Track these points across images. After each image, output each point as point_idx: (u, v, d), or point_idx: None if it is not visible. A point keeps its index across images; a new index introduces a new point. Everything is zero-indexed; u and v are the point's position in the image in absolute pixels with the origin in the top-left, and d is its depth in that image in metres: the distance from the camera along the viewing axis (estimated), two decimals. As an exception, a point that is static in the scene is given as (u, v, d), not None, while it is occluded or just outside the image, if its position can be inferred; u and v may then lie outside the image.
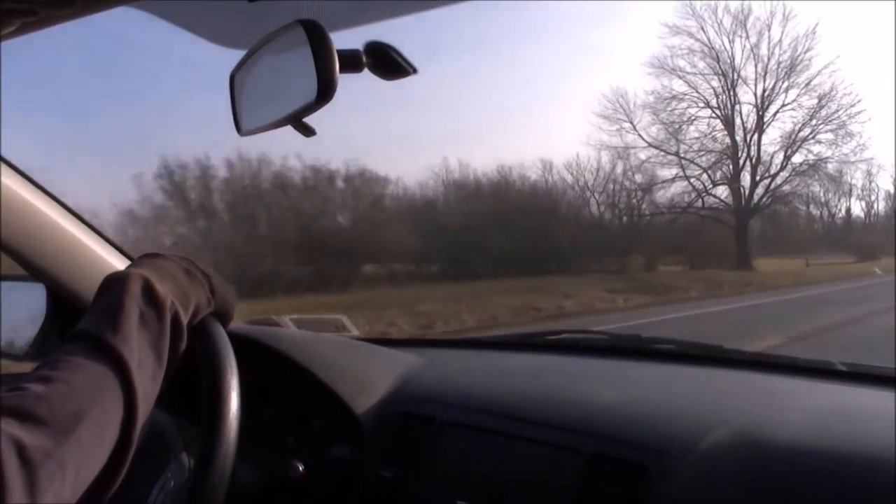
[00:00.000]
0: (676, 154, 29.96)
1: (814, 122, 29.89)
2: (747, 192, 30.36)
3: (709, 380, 1.32)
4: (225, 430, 0.91)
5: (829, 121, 29.60)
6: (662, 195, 30.54)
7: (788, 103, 30.17)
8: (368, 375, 1.38)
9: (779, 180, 30.51)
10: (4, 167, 1.26)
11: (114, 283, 0.82)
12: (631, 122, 29.44)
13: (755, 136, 30.47)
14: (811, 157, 30.14)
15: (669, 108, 29.81)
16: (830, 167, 30.94)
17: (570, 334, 1.71)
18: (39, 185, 1.31)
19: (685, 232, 28.70)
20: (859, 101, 29.30)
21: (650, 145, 29.81)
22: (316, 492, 1.26)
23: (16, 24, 0.85)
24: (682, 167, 30.16)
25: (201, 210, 17.70)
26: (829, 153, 30.06)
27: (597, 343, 1.64)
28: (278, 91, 0.84)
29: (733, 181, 30.47)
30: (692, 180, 30.19)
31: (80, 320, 0.84)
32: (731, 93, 30.38)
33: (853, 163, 30.78)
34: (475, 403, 1.25)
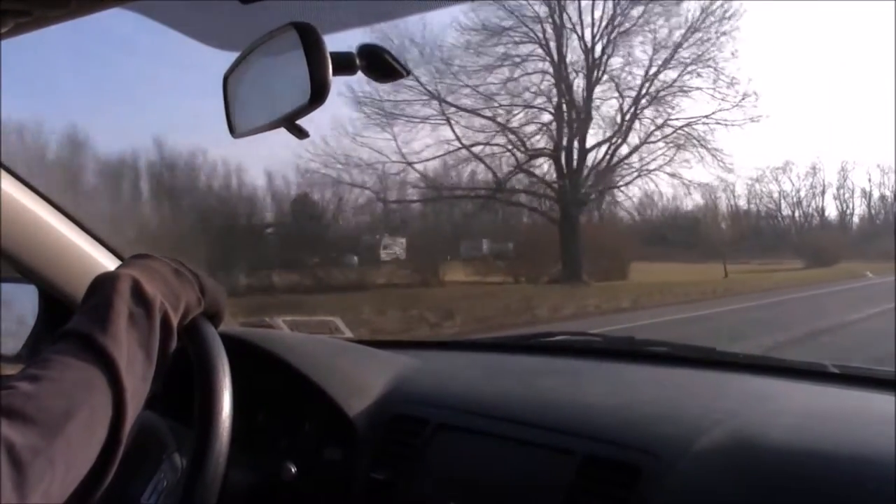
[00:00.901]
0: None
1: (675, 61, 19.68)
2: (575, 165, 19.87)
3: (702, 382, 1.32)
4: (217, 431, 0.90)
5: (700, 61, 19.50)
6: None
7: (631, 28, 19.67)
8: (361, 377, 1.38)
9: (625, 150, 20.20)
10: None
11: (103, 283, 0.82)
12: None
13: (583, 82, 19.87)
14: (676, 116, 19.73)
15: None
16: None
17: (564, 336, 1.72)
18: (32, 187, 1.31)
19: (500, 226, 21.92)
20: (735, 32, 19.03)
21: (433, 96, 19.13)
22: (308, 494, 1.25)
23: (10, 24, 0.85)
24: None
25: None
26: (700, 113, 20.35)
27: (590, 345, 1.64)
28: (272, 93, 0.84)
29: (554, 150, 19.91)
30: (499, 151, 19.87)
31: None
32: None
33: (742, 124, 19.64)
34: (468, 405, 1.25)
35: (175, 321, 0.86)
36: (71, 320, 0.80)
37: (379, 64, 0.83)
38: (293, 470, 1.23)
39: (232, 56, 0.91)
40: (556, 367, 1.50)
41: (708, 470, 0.97)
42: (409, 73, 0.85)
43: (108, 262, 1.41)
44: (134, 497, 1.13)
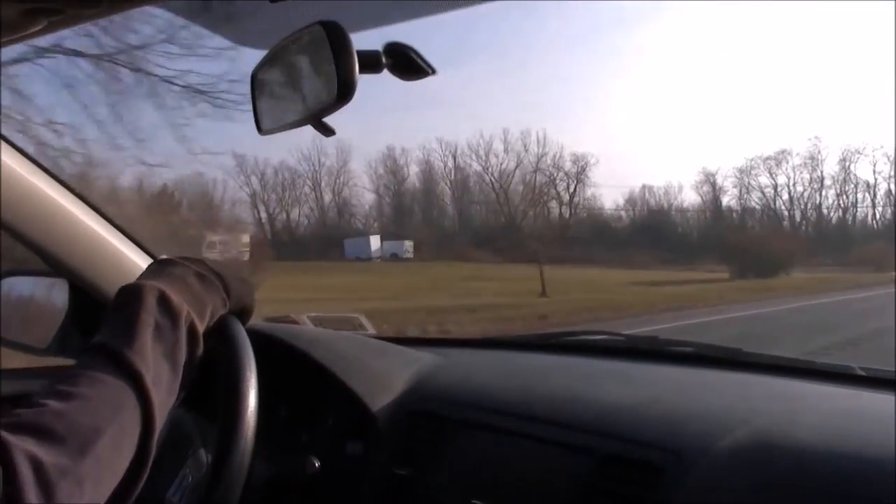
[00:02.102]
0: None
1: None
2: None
3: (726, 382, 1.31)
4: (242, 427, 0.92)
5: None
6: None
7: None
8: (384, 373, 1.39)
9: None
10: (30, 165, 1.28)
11: (129, 296, 0.83)
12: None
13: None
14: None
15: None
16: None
17: (586, 335, 1.71)
18: (63, 182, 1.33)
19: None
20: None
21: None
22: (330, 488, 1.27)
23: (43, 22, 0.87)
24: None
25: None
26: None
27: (613, 344, 1.63)
28: (299, 91, 0.85)
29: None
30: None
31: (100, 316, 0.86)
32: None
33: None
34: (490, 403, 1.26)
35: (201, 329, 0.86)
36: (99, 333, 0.81)
37: (405, 62, 0.84)
38: (316, 463, 1.24)
39: (260, 54, 0.92)
40: (577, 366, 1.49)
41: (730, 470, 0.96)
42: (434, 71, 0.86)
43: (136, 257, 1.43)
44: (160, 492, 1.15)
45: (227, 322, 0.96)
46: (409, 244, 34.88)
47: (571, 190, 43.21)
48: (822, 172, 43.36)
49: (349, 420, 1.32)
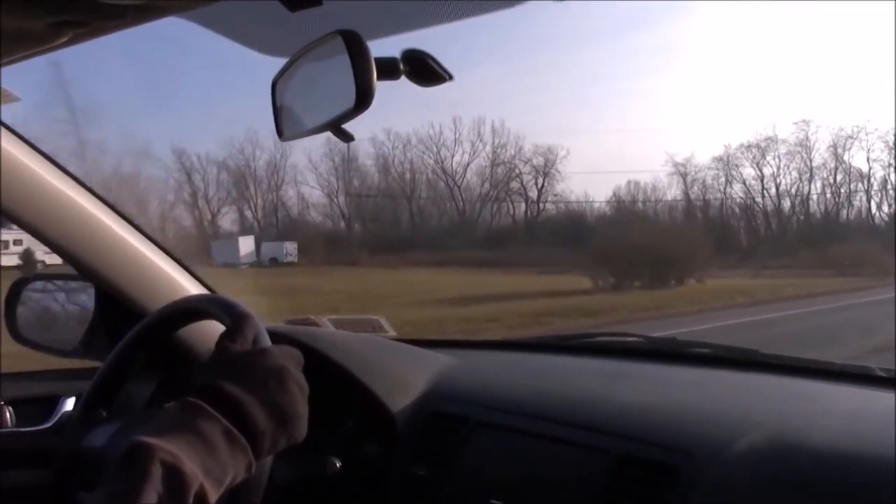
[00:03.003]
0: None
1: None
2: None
3: (744, 384, 1.31)
4: None
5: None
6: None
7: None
8: (403, 375, 1.40)
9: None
10: (58, 172, 1.31)
11: (135, 459, 0.72)
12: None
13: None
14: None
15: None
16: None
17: (604, 337, 1.72)
18: (90, 189, 1.36)
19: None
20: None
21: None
22: (349, 489, 1.28)
23: (69, 34, 0.89)
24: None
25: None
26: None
27: (631, 346, 1.64)
28: (318, 98, 0.86)
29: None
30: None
31: (125, 320, 0.85)
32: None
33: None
34: (507, 404, 1.27)
35: (214, 499, 0.75)
36: (95, 494, 0.73)
37: (422, 68, 0.85)
38: (337, 464, 1.26)
39: (280, 62, 0.94)
40: (595, 368, 1.50)
41: (746, 471, 0.97)
42: (451, 77, 0.87)
43: (163, 263, 1.46)
44: None
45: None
46: (291, 246, 29.79)
47: (540, 185, 38.91)
48: (810, 161, 39.02)
49: (369, 421, 1.34)
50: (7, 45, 0.94)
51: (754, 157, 37.83)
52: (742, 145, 37.70)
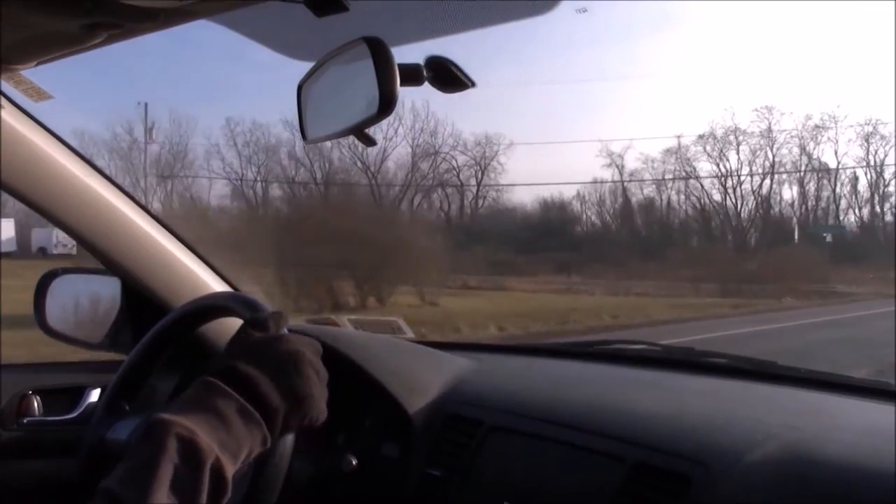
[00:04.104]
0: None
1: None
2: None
3: (760, 395, 1.31)
4: (282, 437, 0.94)
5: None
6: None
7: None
8: (421, 377, 1.41)
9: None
10: (90, 170, 1.34)
11: (153, 434, 0.75)
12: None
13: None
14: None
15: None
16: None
17: (622, 344, 1.72)
18: (119, 186, 1.40)
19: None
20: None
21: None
22: (366, 487, 1.30)
23: (103, 35, 0.92)
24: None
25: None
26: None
27: (648, 354, 1.64)
28: (342, 103, 0.88)
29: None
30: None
31: (151, 314, 0.88)
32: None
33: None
34: (523, 409, 1.28)
35: (230, 472, 0.78)
36: (114, 472, 0.75)
37: (445, 75, 0.87)
38: (354, 462, 1.28)
39: (306, 66, 0.96)
40: (611, 375, 1.50)
41: (759, 482, 0.97)
42: (473, 83, 0.89)
43: (186, 259, 1.49)
44: None
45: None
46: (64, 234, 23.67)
47: (479, 178, 35.01)
48: (773, 156, 34.93)
49: (386, 421, 1.35)
50: (43, 45, 0.97)
51: (710, 151, 34.87)
52: (702, 136, 34.39)
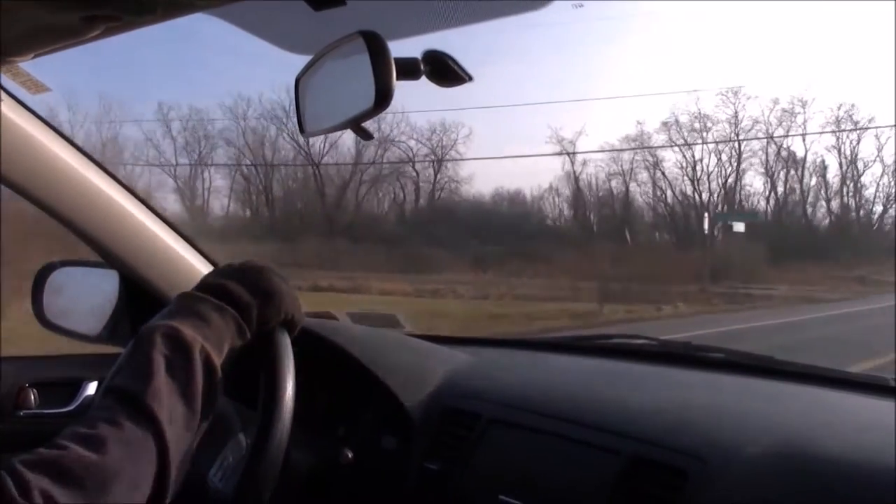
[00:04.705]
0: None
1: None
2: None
3: (757, 390, 1.31)
4: (281, 413, 0.95)
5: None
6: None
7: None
8: (419, 370, 1.42)
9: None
10: (87, 162, 1.34)
11: (143, 336, 0.85)
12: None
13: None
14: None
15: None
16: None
17: (620, 339, 1.72)
18: (117, 178, 1.39)
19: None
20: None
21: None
22: (364, 480, 1.30)
23: (101, 28, 0.91)
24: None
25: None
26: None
27: (646, 348, 1.64)
28: (339, 96, 0.88)
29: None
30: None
31: (150, 306, 0.91)
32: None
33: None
34: (521, 402, 1.28)
35: (218, 360, 0.87)
36: (116, 374, 0.84)
37: (442, 69, 0.87)
38: (350, 455, 1.28)
39: (304, 59, 0.96)
40: (609, 369, 1.50)
41: (756, 477, 0.97)
42: (471, 78, 0.88)
43: (184, 252, 1.49)
44: (202, 472, 1.20)
45: (275, 334, 0.99)
46: None
47: (436, 169, 32.79)
48: (739, 145, 32.53)
49: (384, 415, 1.36)
50: (39, 37, 0.97)
51: (672, 138, 32.57)
52: (666, 122, 32.20)
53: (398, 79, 0.81)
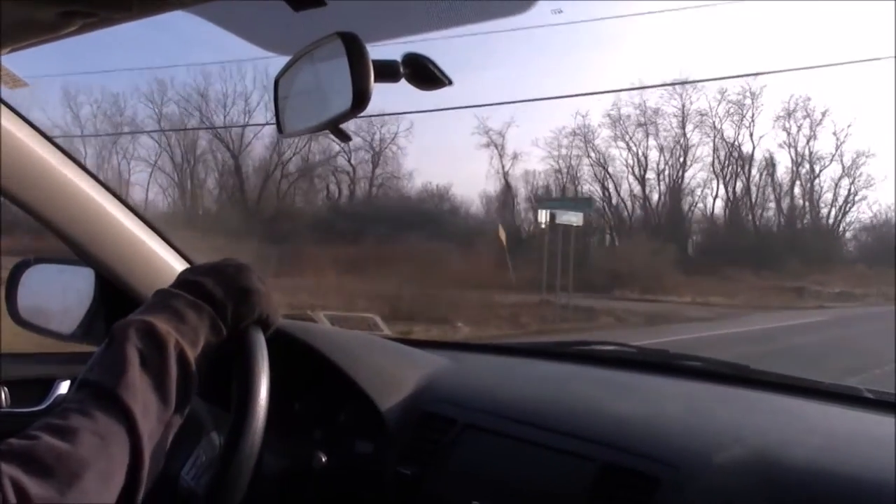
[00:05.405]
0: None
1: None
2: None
3: (732, 398, 1.32)
4: (254, 412, 0.94)
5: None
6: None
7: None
8: (395, 374, 1.41)
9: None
10: (63, 157, 1.33)
11: (117, 331, 0.85)
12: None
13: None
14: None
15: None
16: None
17: (598, 345, 1.72)
18: (94, 176, 1.38)
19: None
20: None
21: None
22: (337, 484, 1.29)
23: (77, 24, 0.91)
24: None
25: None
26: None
27: (623, 356, 1.64)
28: (317, 98, 0.88)
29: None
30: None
31: (124, 306, 0.90)
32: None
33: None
34: (496, 408, 1.28)
35: (193, 356, 0.88)
36: (88, 370, 0.83)
37: (422, 72, 0.86)
38: (324, 459, 1.27)
39: (283, 59, 0.95)
40: (587, 376, 1.51)
41: (728, 485, 0.98)
42: (450, 82, 0.88)
43: (161, 250, 1.48)
44: (175, 470, 1.18)
45: (248, 332, 0.98)
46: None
47: (375, 162, 31.25)
48: (685, 141, 31.29)
49: (359, 418, 1.35)
50: (16, 32, 0.95)
51: (616, 133, 31.07)
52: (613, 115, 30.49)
53: (377, 81, 0.81)
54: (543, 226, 18.36)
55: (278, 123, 0.98)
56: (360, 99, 0.78)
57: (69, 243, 1.41)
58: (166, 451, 0.85)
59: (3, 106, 1.25)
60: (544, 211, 18.72)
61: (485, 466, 1.20)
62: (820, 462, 0.99)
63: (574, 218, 18.09)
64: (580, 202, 21.50)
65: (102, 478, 0.74)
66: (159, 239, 1.49)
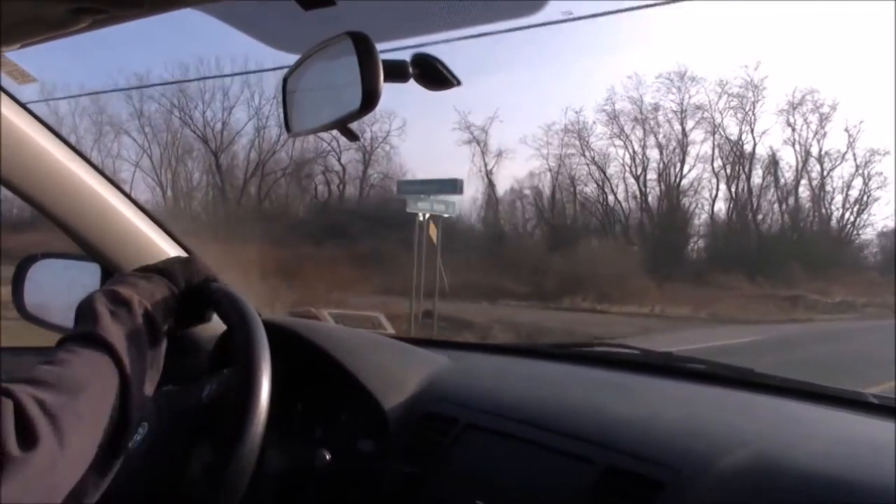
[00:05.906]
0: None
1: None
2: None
3: (735, 402, 1.32)
4: (256, 408, 0.94)
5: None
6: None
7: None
8: (398, 373, 1.41)
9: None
10: (70, 153, 1.33)
11: (84, 303, 0.94)
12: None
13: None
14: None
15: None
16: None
17: (601, 347, 1.72)
18: (102, 172, 1.39)
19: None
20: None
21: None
22: (339, 483, 1.30)
23: (88, 20, 0.91)
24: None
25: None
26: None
27: (626, 357, 1.64)
28: (326, 97, 0.88)
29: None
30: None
31: None
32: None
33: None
34: (498, 408, 1.28)
35: (157, 314, 0.96)
36: (66, 337, 0.90)
37: (431, 72, 0.87)
38: (327, 457, 1.27)
39: (292, 58, 0.95)
40: (589, 378, 1.51)
41: (729, 489, 0.97)
42: (459, 82, 0.89)
43: (166, 245, 1.48)
44: (175, 471, 1.18)
45: (214, 288, 1.06)
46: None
47: (366, 161, 30.37)
48: (684, 138, 29.51)
49: (362, 417, 1.35)
50: (27, 29, 0.96)
51: (613, 131, 29.59)
52: (609, 110, 29.15)
53: (386, 80, 0.81)
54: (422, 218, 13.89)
55: (286, 122, 0.98)
56: (370, 98, 0.78)
57: (76, 239, 1.41)
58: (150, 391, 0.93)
59: (12, 102, 1.25)
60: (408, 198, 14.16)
61: (486, 467, 1.20)
62: (822, 466, 0.99)
63: (439, 206, 14.12)
64: (445, 184, 14.99)
65: (98, 395, 0.82)
66: (165, 235, 1.49)
